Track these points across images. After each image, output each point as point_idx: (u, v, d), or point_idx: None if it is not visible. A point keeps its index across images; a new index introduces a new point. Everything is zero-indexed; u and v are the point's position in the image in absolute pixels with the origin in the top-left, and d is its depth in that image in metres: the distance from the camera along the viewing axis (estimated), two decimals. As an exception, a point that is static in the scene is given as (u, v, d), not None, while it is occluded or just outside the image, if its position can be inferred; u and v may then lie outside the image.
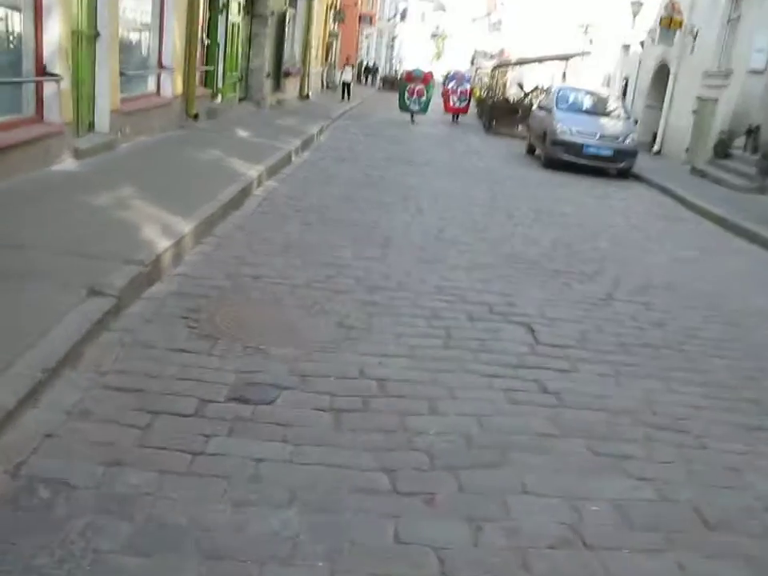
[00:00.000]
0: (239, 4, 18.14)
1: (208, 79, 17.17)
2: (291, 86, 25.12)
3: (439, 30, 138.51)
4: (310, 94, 27.80)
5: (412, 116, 25.18)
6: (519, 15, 62.02)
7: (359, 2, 50.50)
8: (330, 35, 38.36)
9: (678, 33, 21.96)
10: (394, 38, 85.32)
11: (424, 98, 25.20)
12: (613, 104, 18.19)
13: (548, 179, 14.67)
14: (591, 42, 37.04)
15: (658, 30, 22.09)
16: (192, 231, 6.55)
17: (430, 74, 26.30)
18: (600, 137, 16.32)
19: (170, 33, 13.02)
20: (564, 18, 41.98)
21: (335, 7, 38.83)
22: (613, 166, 16.49)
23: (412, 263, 6.85)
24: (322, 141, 16.55)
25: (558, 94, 17.75)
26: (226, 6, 17.26)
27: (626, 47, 30.32)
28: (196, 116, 14.24)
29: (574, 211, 11.11)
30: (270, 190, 9.78)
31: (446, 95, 28.83)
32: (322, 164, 12.88)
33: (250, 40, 21.16)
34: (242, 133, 14.55)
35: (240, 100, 20.08)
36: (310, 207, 8.98)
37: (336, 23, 40.71)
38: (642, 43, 27.28)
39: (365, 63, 62.71)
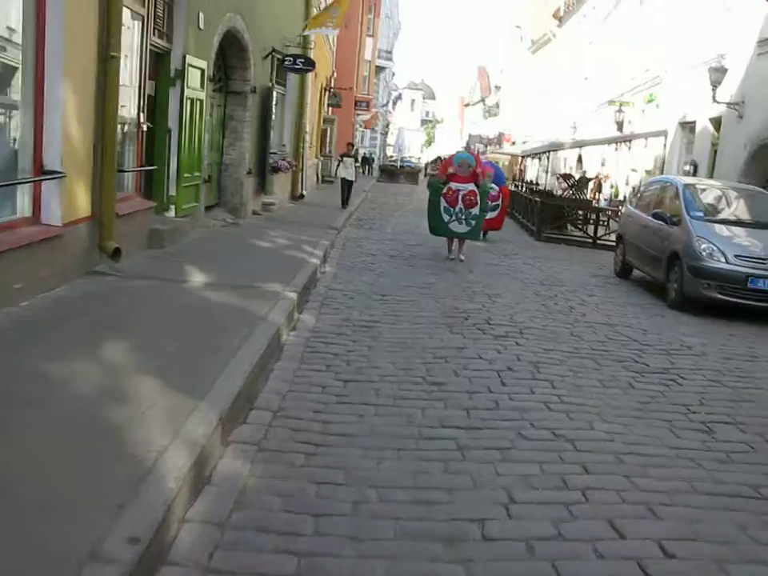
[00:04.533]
0: (202, 72, 12.30)
1: (154, 185, 11.25)
2: (281, 185, 19.22)
3: (429, 116, 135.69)
4: (305, 193, 21.90)
5: (451, 246, 13.79)
6: (520, 98, 57.16)
7: (354, 86, 45.52)
8: (325, 121, 32.80)
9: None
10: (387, 125, 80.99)
11: (475, 210, 13.31)
12: (770, 206, 12.15)
13: (717, 343, 8.62)
14: (622, 122, 31.38)
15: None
16: None
17: (484, 165, 15.09)
18: (773, 262, 10.29)
19: (54, 111, 7.05)
20: (584, 95, 36.59)
21: (330, 90, 33.40)
22: (793, 306, 10.43)
23: None
24: (328, 277, 10.48)
25: (684, 194, 11.65)
26: (182, 74, 11.42)
27: (686, 125, 24.73)
28: (116, 252, 8.17)
29: None
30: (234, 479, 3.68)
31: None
32: (337, 349, 6.72)
33: (223, 125, 15.35)
34: (198, 277, 8.50)
35: (209, 208, 14.13)
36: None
37: (330, 108, 35.28)
38: (715, 120, 21.65)
39: (361, 153, 57.67)
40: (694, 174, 22.49)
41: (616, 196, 30.30)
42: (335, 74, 35.42)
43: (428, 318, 8.31)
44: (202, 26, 12.05)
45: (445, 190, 13.42)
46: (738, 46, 19.94)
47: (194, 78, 11.94)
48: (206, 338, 5.94)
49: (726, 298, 10.18)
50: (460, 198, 13.26)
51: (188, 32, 11.54)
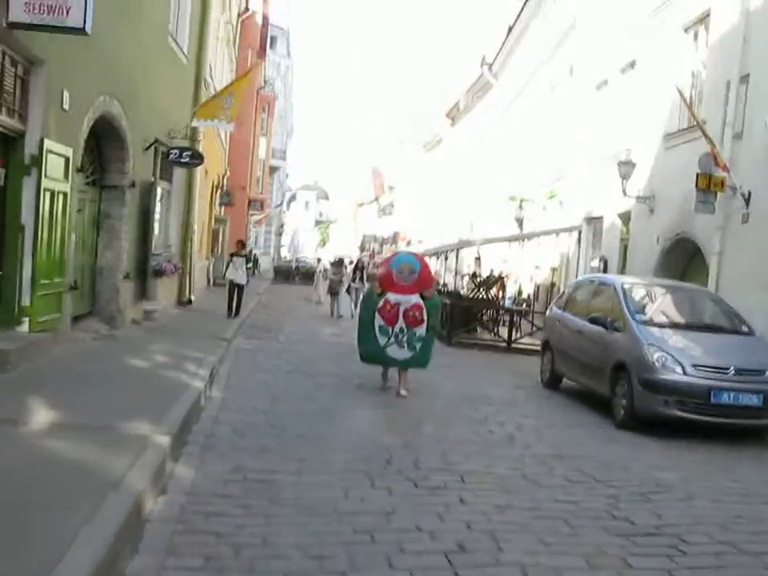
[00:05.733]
0: (67, 161, 10.45)
1: (1, 294, 9.25)
2: (166, 290, 17.23)
3: (323, 216, 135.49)
4: (193, 297, 19.91)
5: (384, 375, 10.73)
6: (414, 197, 56.86)
7: (248, 186, 44.15)
8: (217, 221, 30.99)
9: (718, 196, 15.35)
10: (282, 226, 79.86)
11: (421, 330, 10.25)
12: (718, 308, 10.86)
13: (697, 478, 7.09)
14: (522, 219, 30.70)
15: (694, 194, 15.36)
16: None
17: (428, 269, 11.04)
18: (736, 372, 8.89)
19: None
20: (481, 193, 36.04)
21: (222, 188, 31.76)
22: (758, 422, 9.04)
23: None
24: (215, 404, 8.57)
25: (624, 295, 10.27)
26: (38, 161, 9.54)
27: (591, 221, 23.99)
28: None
29: None
30: None
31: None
32: (221, 525, 4.80)
33: (97, 223, 13.42)
34: (43, 415, 6.47)
35: (79, 318, 12.10)
36: None
37: (222, 207, 33.54)
38: (624, 215, 20.84)
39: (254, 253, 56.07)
40: (605, 270, 21.56)
41: (520, 294, 29.34)
42: (228, 173, 33.94)
43: (340, 462, 6.48)
44: (66, 107, 10.27)
45: (381, 304, 10.26)
46: (644, 141, 19.31)
47: (55, 166, 10.06)
48: (25, 528, 4.00)
49: (687, 415, 8.70)
50: (401, 313, 10.15)
51: (48, 112, 9.72)
